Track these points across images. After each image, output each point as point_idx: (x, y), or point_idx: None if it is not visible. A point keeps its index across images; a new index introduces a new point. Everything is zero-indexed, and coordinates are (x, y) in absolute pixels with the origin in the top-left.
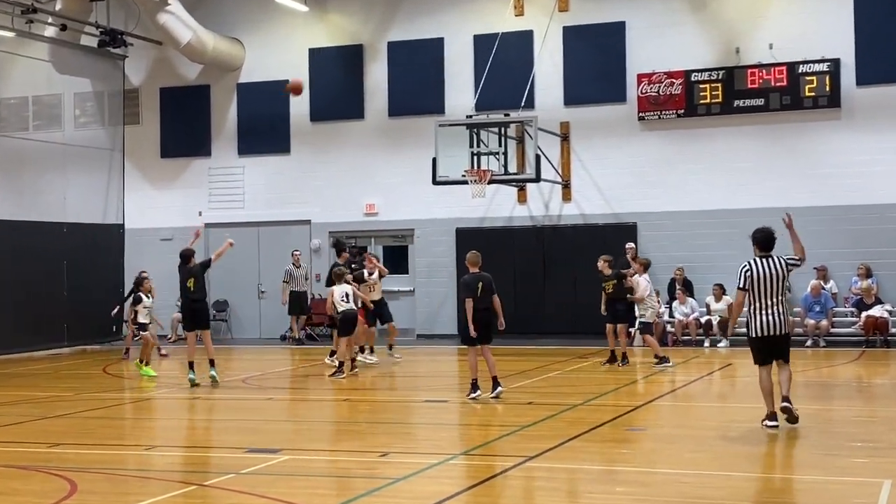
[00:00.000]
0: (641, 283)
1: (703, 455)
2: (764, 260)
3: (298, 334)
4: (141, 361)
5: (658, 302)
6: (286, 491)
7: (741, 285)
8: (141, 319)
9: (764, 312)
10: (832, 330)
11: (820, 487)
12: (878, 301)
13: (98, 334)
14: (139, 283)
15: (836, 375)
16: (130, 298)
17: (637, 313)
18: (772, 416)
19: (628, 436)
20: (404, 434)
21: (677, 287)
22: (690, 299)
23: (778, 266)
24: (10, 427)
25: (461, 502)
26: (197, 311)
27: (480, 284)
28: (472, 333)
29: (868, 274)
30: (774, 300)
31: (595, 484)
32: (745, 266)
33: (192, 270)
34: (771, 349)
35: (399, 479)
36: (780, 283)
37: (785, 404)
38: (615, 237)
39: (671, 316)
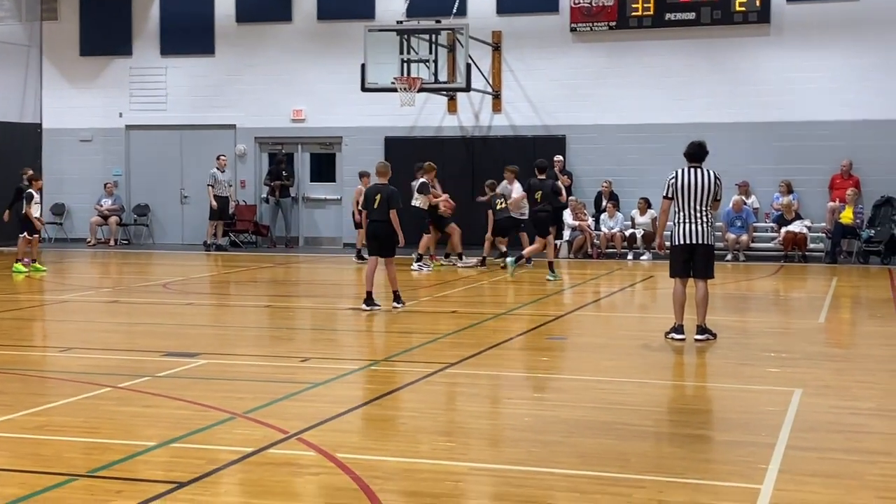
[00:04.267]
0: (516, 191)
1: (622, 363)
2: (692, 170)
3: (221, 240)
4: (34, 261)
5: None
6: (201, 394)
7: (665, 193)
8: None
9: (686, 222)
10: (752, 245)
11: (732, 395)
12: (798, 217)
13: (12, 236)
14: (32, 180)
15: (754, 289)
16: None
17: (517, 215)
18: (679, 328)
19: (549, 344)
20: (326, 340)
21: (604, 200)
22: (618, 213)
23: (706, 178)
24: None
25: (381, 407)
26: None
27: (378, 196)
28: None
29: (789, 190)
30: (699, 211)
31: (513, 390)
32: (672, 175)
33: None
34: (689, 260)
35: (318, 384)
36: (706, 195)
37: (697, 337)
38: (544, 149)
39: (597, 228)
